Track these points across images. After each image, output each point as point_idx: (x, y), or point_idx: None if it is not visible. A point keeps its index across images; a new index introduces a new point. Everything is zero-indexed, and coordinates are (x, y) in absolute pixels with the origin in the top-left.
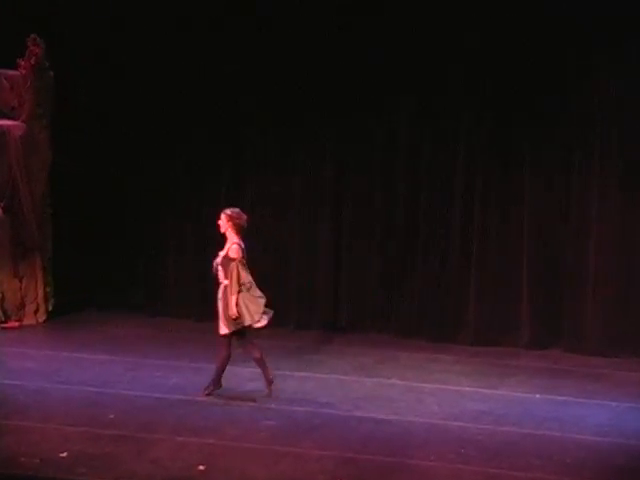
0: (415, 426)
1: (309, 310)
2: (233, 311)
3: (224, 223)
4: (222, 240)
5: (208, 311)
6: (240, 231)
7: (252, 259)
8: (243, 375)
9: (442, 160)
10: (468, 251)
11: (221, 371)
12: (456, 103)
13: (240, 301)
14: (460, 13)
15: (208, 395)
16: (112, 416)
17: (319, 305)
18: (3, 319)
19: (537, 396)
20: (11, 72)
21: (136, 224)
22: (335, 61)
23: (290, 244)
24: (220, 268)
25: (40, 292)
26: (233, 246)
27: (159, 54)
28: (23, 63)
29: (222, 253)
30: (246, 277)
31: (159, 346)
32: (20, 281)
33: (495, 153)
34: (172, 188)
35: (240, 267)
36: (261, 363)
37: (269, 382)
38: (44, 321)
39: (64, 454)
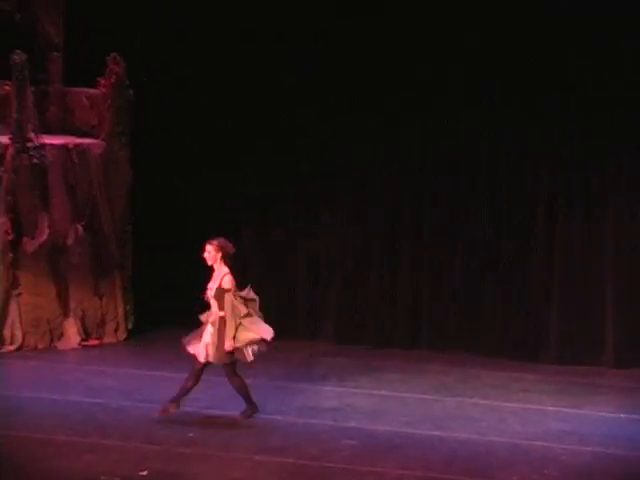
0: (497, 446)
1: (389, 329)
2: (230, 344)
3: (213, 254)
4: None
5: (285, 329)
6: (229, 260)
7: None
8: (322, 394)
9: (524, 176)
10: (550, 268)
11: (247, 394)
12: (541, 119)
13: (238, 334)
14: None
15: (249, 417)
16: (191, 435)
17: (399, 323)
18: (84, 337)
19: (622, 416)
20: (91, 91)
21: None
22: (398, 73)
23: (368, 261)
24: (213, 301)
25: (120, 310)
26: (226, 277)
27: (223, 66)
28: (103, 82)
29: (213, 285)
30: (242, 308)
31: (237, 364)
32: (100, 299)
33: (578, 170)
34: (251, 201)
35: (234, 299)
36: (243, 390)
37: (251, 411)
38: (124, 339)
39: (144, 472)
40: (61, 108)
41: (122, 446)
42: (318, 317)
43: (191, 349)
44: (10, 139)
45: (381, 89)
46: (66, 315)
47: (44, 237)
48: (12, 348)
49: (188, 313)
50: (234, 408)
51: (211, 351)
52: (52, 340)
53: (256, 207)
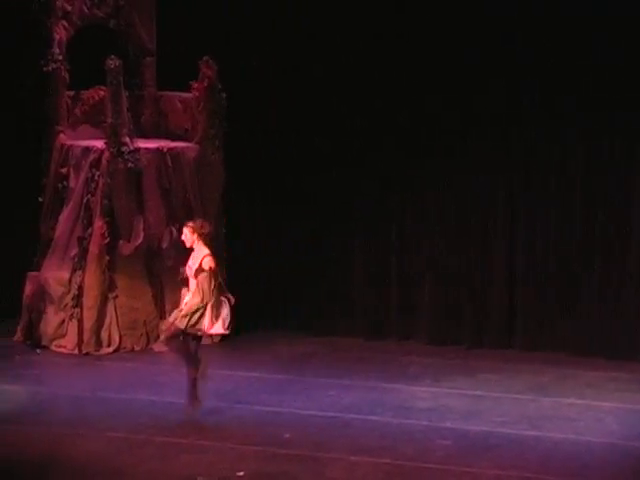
0: (594, 446)
1: (484, 328)
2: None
3: (189, 236)
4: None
5: (378, 330)
6: (208, 241)
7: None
8: (417, 394)
9: (619, 178)
10: None
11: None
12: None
13: (207, 311)
14: None
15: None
16: (287, 435)
17: (494, 323)
18: None
19: None
20: (184, 94)
21: (307, 242)
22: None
23: (462, 260)
24: (193, 280)
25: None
26: (206, 258)
27: (318, 67)
28: (196, 85)
29: (193, 264)
30: (210, 295)
31: (330, 365)
32: None
33: None
34: (339, 205)
35: (212, 278)
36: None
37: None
38: (220, 340)
39: (241, 473)
40: (155, 112)
41: (219, 447)
42: (412, 317)
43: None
44: (105, 143)
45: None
46: (162, 317)
47: (140, 240)
48: (109, 350)
49: (283, 314)
50: (330, 409)
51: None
52: (148, 342)
53: (353, 208)
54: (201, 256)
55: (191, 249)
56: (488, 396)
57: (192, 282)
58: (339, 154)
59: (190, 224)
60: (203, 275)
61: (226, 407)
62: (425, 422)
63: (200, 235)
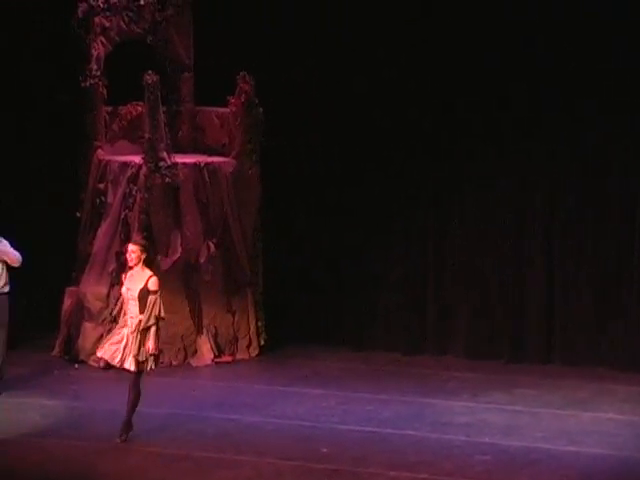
0: (634, 462)
1: (522, 343)
2: (155, 346)
3: (137, 255)
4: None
5: (415, 344)
6: (150, 263)
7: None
8: (455, 409)
9: None
10: None
11: (133, 412)
12: None
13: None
14: None
15: (124, 441)
16: (325, 450)
17: (532, 338)
18: (217, 354)
19: None
20: (221, 110)
21: (344, 256)
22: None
23: (502, 277)
24: (134, 302)
25: (252, 327)
26: (153, 279)
27: (354, 83)
28: (233, 100)
29: (134, 286)
30: (162, 312)
31: (368, 380)
32: (233, 316)
33: None
34: (377, 219)
35: (160, 301)
36: (135, 405)
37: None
38: (256, 355)
39: None
40: (192, 127)
41: (256, 462)
42: (450, 332)
43: (107, 356)
44: (143, 159)
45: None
46: (199, 332)
47: (177, 255)
48: None
49: (321, 329)
50: (368, 424)
51: (127, 356)
52: (186, 357)
53: (391, 222)
54: (146, 277)
55: (129, 268)
56: (527, 411)
57: (133, 305)
58: (377, 167)
59: (141, 242)
60: (152, 297)
61: (264, 422)
62: (463, 437)
63: (148, 257)
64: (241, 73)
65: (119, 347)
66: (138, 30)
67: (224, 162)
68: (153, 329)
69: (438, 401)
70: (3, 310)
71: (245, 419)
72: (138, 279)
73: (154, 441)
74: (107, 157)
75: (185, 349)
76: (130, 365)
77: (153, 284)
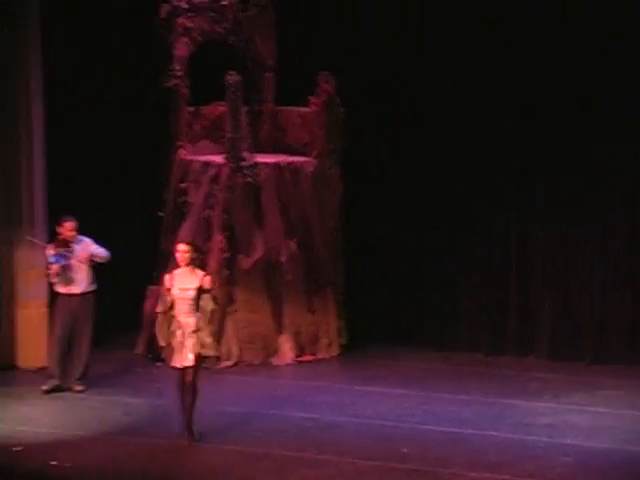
0: None
1: (605, 344)
2: (215, 344)
3: (188, 255)
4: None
5: (497, 345)
6: (200, 263)
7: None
8: (537, 410)
9: None
10: None
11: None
12: None
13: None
14: None
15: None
16: (406, 450)
17: (615, 339)
18: (298, 353)
19: None
20: (303, 109)
21: (426, 256)
22: None
23: (584, 277)
24: (189, 302)
25: (333, 326)
26: (207, 277)
27: (434, 84)
28: (314, 100)
29: (187, 285)
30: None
31: (449, 380)
32: (313, 315)
33: None
34: (459, 219)
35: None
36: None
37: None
38: (337, 355)
39: None
40: (274, 127)
41: (337, 461)
42: (532, 332)
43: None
44: (225, 158)
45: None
46: (280, 331)
47: (259, 254)
48: (229, 364)
49: (403, 329)
50: (449, 424)
51: (187, 354)
52: (267, 356)
53: (473, 222)
54: (200, 276)
55: (174, 268)
56: (610, 413)
57: (190, 304)
58: (459, 168)
59: (190, 242)
60: (206, 296)
61: (345, 421)
62: (545, 438)
63: (199, 257)
64: (322, 73)
65: (182, 350)
66: (220, 30)
67: (305, 162)
68: (210, 327)
69: (520, 402)
70: (89, 309)
71: (326, 418)
72: (190, 279)
73: (235, 440)
74: (189, 157)
75: (266, 348)
76: (191, 361)
77: (208, 282)
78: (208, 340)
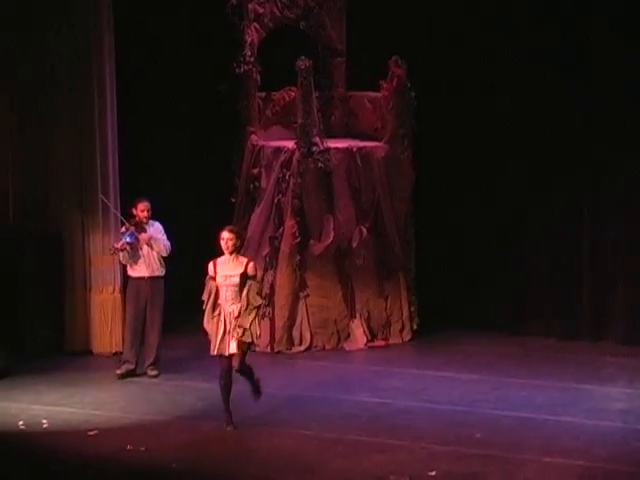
0: None
1: None
2: (259, 330)
3: (233, 242)
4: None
5: (572, 330)
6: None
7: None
8: (611, 395)
9: None
10: None
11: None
12: None
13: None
14: None
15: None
16: (479, 435)
17: None
18: (370, 338)
19: None
20: (373, 94)
21: (498, 241)
22: None
23: None
24: (233, 289)
25: (405, 311)
26: (251, 263)
27: (498, 71)
28: (385, 85)
29: (232, 272)
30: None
31: (522, 365)
32: (385, 301)
33: None
34: (531, 204)
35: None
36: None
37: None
38: (409, 340)
39: (433, 473)
40: (345, 112)
41: (410, 446)
42: (606, 317)
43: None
44: (296, 144)
45: None
46: (352, 316)
47: (330, 239)
48: (301, 348)
49: (477, 314)
50: (522, 409)
51: (230, 341)
52: (339, 341)
53: (545, 207)
54: (245, 262)
55: (216, 256)
56: None
57: (235, 291)
58: (530, 153)
59: (235, 229)
60: (250, 282)
61: (417, 406)
62: (620, 424)
63: (242, 243)
64: (393, 57)
65: (225, 338)
66: (291, 16)
67: (376, 147)
68: (255, 312)
69: (594, 387)
70: (159, 293)
71: (398, 403)
72: (233, 266)
73: (308, 425)
74: (261, 142)
75: (338, 333)
76: (236, 348)
77: (252, 269)
78: (247, 326)
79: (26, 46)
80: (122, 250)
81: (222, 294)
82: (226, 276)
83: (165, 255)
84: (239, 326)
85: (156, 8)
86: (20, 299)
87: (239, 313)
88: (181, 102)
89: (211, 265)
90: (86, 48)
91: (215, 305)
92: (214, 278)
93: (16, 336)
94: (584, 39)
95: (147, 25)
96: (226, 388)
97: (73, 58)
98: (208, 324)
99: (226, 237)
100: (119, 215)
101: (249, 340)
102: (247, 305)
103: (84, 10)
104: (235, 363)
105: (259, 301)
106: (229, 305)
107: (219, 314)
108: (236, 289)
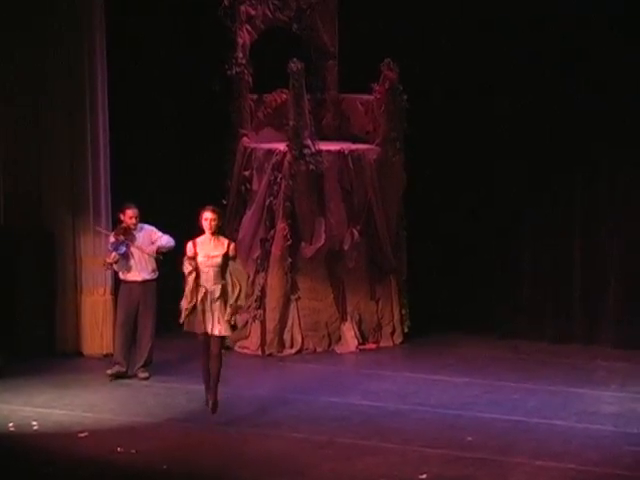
0: None
1: None
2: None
3: (217, 222)
4: None
5: (563, 333)
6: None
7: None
8: (603, 399)
9: None
10: None
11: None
12: None
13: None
14: None
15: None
16: (470, 439)
17: None
18: (361, 341)
19: None
20: (365, 97)
21: (490, 244)
22: None
23: None
24: (216, 269)
25: (396, 314)
26: (232, 244)
27: (493, 75)
28: (377, 88)
29: (213, 252)
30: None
31: (514, 368)
32: (377, 303)
33: None
34: (522, 207)
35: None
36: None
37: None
38: (401, 343)
39: (423, 476)
40: (336, 115)
41: (401, 449)
42: (597, 320)
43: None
44: (288, 146)
45: None
46: (343, 319)
47: (321, 242)
48: (292, 351)
49: (467, 317)
50: (513, 412)
51: (222, 323)
52: (330, 343)
53: (537, 210)
54: (226, 243)
55: (197, 236)
56: None
57: (216, 272)
58: (523, 154)
59: (217, 209)
60: (232, 263)
61: (409, 409)
62: (611, 427)
63: (221, 223)
64: (385, 60)
65: (206, 317)
66: (283, 18)
67: (368, 149)
68: (237, 293)
69: (585, 390)
70: (151, 296)
71: (389, 406)
72: (214, 246)
73: (299, 427)
74: (252, 144)
75: (329, 336)
76: (226, 331)
77: (233, 249)
78: (236, 311)
79: (18, 46)
80: (115, 263)
81: (204, 274)
82: (208, 256)
83: (173, 245)
84: (230, 307)
85: (145, 8)
86: (11, 300)
87: (221, 293)
88: (172, 104)
89: (191, 245)
90: (78, 48)
91: (192, 285)
92: (194, 258)
93: (7, 337)
94: (583, 38)
95: (137, 26)
96: (207, 372)
97: (65, 58)
98: (187, 304)
99: (209, 217)
100: (111, 235)
101: (233, 323)
102: (234, 288)
103: (77, 10)
104: (214, 346)
105: (242, 282)
106: (210, 285)
107: (202, 294)
108: (218, 269)
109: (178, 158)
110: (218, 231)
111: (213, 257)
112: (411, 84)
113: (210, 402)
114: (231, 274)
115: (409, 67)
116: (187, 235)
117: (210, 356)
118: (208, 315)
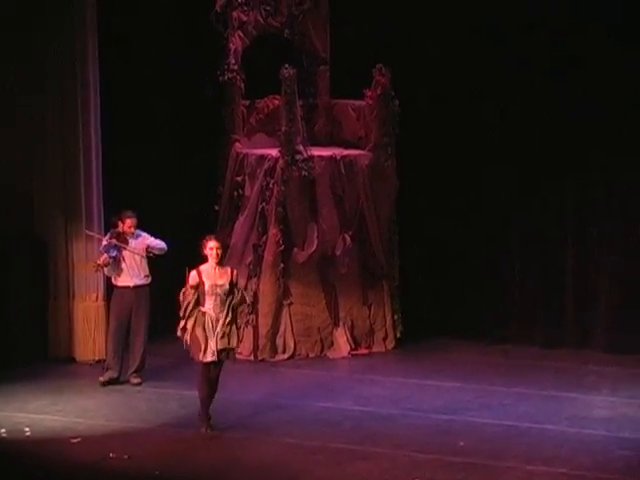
0: None
1: None
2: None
3: (222, 250)
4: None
5: (554, 338)
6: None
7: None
8: (594, 403)
9: None
10: None
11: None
12: None
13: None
14: None
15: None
16: (462, 443)
17: None
18: (353, 346)
19: None
20: (358, 102)
21: (481, 249)
22: None
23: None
24: (222, 297)
25: (388, 319)
26: (235, 271)
27: (483, 80)
28: (369, 93)
29: (220, 281)
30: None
31: (505, 373)
32: (369, 309)
33: None
34: (513, 212)
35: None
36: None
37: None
38: (393, 348)
39: None
40: (328, 120)
41: (393, 454)
42: (589, 325)
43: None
44: (280, 152)
45: None
46: (336, 324)
47: (313, 247)
48: (284, 356)
49: (459, 322)
50: (505, 417)
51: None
52: (323, 349)
53: (528, 216)
54: (229, 271)
55: (199, 264)
56: None
57: (221, 300)
58: (514, 160)
59: (220, 238)
60: (237, 290)
61: (400, 414)
62: (603, 432)
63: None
64: (377, 66)
65: (208, 345)
66: (275, 24)
67: (360, 155)
68: (239, 321)
69: (577, 395)
70: (144, 302)
71: (381, 411)
72: (219, 275)
73: (291, 433)
74: (244, 150)
75: (322, 341)
76: (234, 356)
77: (236, 277)
78: (233, 337)
79: (10, 46)
80: (105, 266)
81: (208, 303)
82: (215, 285)
83: (166, 249)
84: (226, 335)
85: (137, 8)
86: (3, 306)
87: (226, 322)
88: (164, 108)
89: (195, 274)
90: (71, 49)
91: (193, 313)
92: (196, 287)
93: (0, 343)
94: (572, 44)
95: (129, 26)
96: (210, 397)
97: (58, 59)
98: (189, 332)
99: (215, 246)
100: (103, 238)
101: (232, 346)
102: (231, 315)
103: (70, 11)
104: (215, 372)
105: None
106: (216, 313)
107: (206, 321)
108: (224, 297)
109: (171, 164)
110: (222, 259)
111: (221, 285)
112: (402, 90)
113: (205, 424)
114: (232, 302)
115: (400, 73)
116: (178, 238)
117: (210, 380)
118: (210, 343)
